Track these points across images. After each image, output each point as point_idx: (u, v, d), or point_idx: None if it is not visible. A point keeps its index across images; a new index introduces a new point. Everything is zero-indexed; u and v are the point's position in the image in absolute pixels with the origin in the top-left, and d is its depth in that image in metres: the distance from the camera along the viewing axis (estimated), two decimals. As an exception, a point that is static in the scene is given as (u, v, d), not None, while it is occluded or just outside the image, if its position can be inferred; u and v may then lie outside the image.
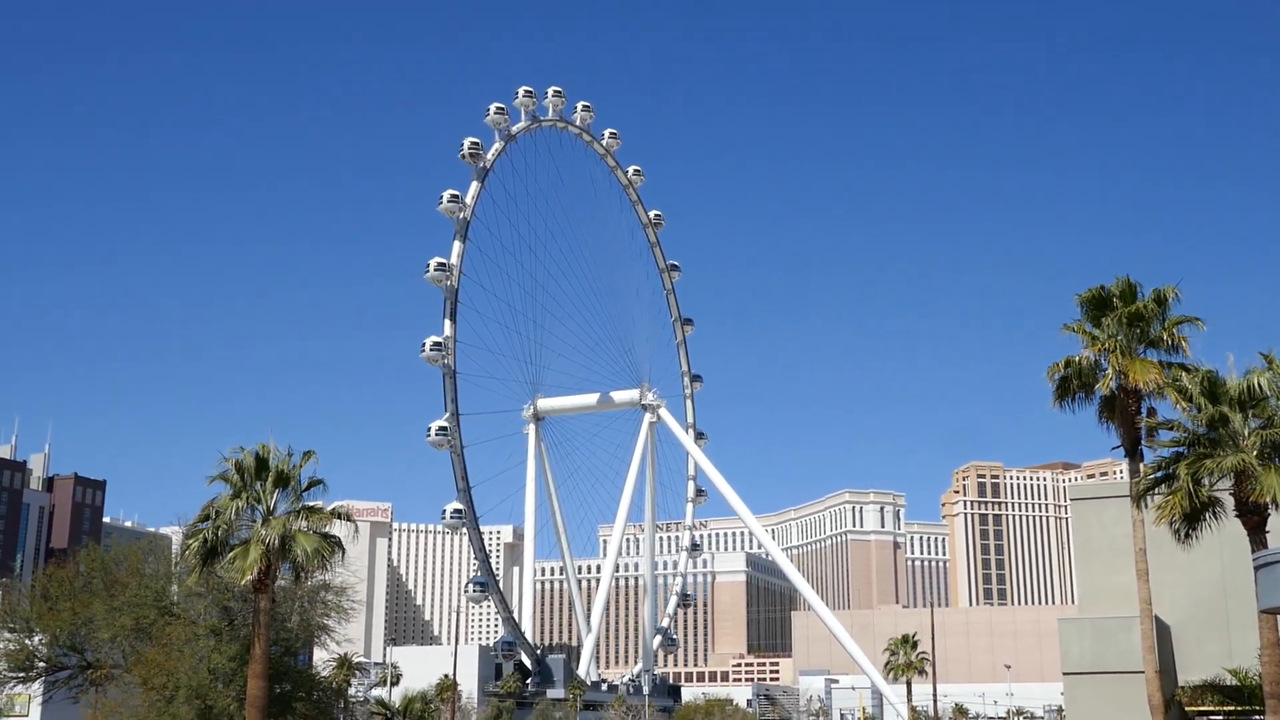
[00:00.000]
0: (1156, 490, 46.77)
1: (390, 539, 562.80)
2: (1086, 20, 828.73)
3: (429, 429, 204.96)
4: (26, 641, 69.57)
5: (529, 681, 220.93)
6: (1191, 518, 45.29)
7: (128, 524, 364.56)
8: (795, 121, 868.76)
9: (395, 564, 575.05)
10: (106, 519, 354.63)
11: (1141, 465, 49.29)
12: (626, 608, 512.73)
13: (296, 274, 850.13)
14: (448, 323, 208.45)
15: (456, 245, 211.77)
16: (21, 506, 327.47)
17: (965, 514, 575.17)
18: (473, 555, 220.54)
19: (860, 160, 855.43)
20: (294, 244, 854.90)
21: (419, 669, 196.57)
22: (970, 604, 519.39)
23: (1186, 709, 54.65)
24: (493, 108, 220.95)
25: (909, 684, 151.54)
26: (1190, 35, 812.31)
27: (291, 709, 61.44)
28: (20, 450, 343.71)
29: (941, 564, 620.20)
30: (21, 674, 71.06)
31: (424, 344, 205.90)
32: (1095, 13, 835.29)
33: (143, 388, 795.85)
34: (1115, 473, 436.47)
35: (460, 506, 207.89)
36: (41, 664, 70.00)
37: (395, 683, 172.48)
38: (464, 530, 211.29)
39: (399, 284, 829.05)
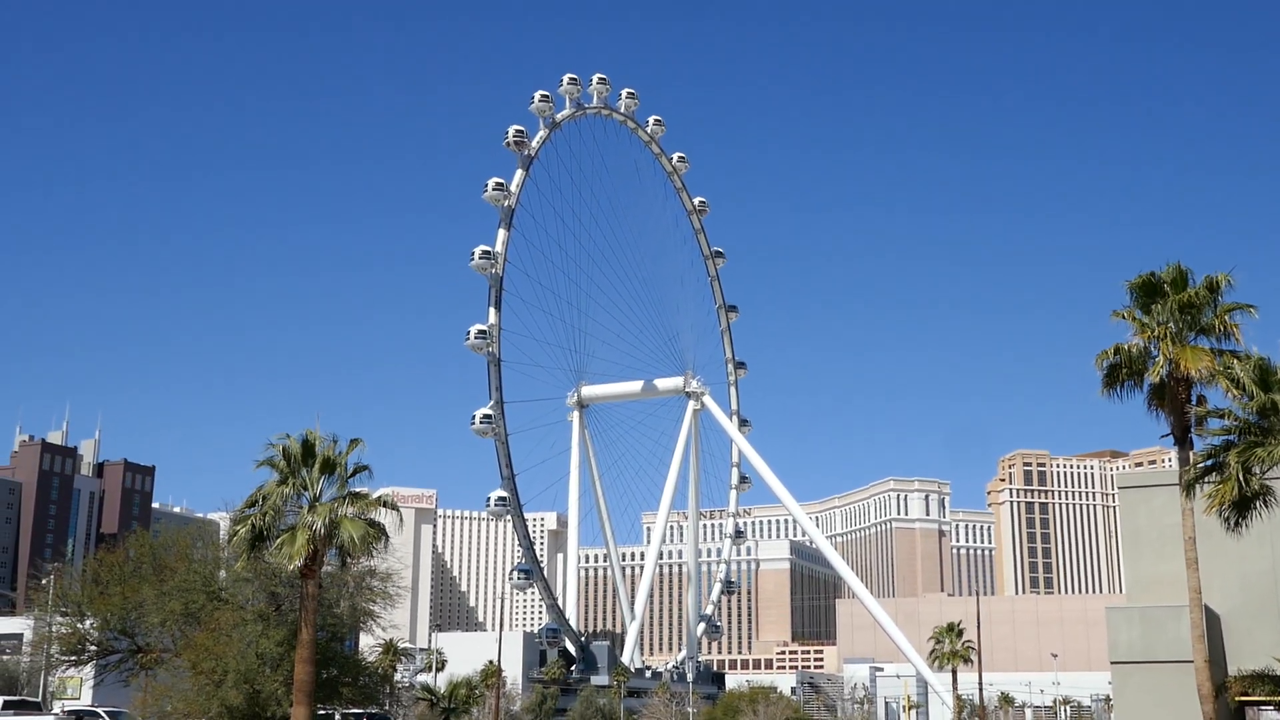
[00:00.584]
0: (1206, 478, 46.26)
1: (435, 525, 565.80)
2: (1129, 6, 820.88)
3: (474, 417, 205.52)
4: (78, 625, 70.40)
5: (573, 668, 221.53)
6: (1242, 506, 44.78)
7: (176, 509, 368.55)
8: (840, 109, 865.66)
9: (440, 550, 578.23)
10: (155, 504, 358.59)
11: (1191, 453, 48.75)
12: (670, 595, 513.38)
13: (343, 261, 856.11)
14: (492, 311, 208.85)
15: (501, 233, 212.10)
16: (73, 492, 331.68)
17: (1011, 502, 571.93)
18: (517, 542, 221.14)
19: (906, 148, 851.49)
20: (341, 231, 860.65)
21: (464, 655, 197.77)
22: (1016, 593, 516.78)
23: (1236, 699, 54.11)
24: (537, 95, 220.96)
25: (954, 673, 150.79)
26: (1236, 23, 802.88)
27: (338, 693, 61.85)
28: (71, 437, 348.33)
29: (987, 552, 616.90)
30: (73, 657, 71.96)
31: (469, 332, 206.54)
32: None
33: (191, 374, 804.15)
34: (1164, 461, 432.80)
35: (504, 494, 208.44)
36: (93, 647, 70.83)
37: (440, 668, 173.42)
38: (508, 517, 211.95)
39: (445, 271, 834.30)
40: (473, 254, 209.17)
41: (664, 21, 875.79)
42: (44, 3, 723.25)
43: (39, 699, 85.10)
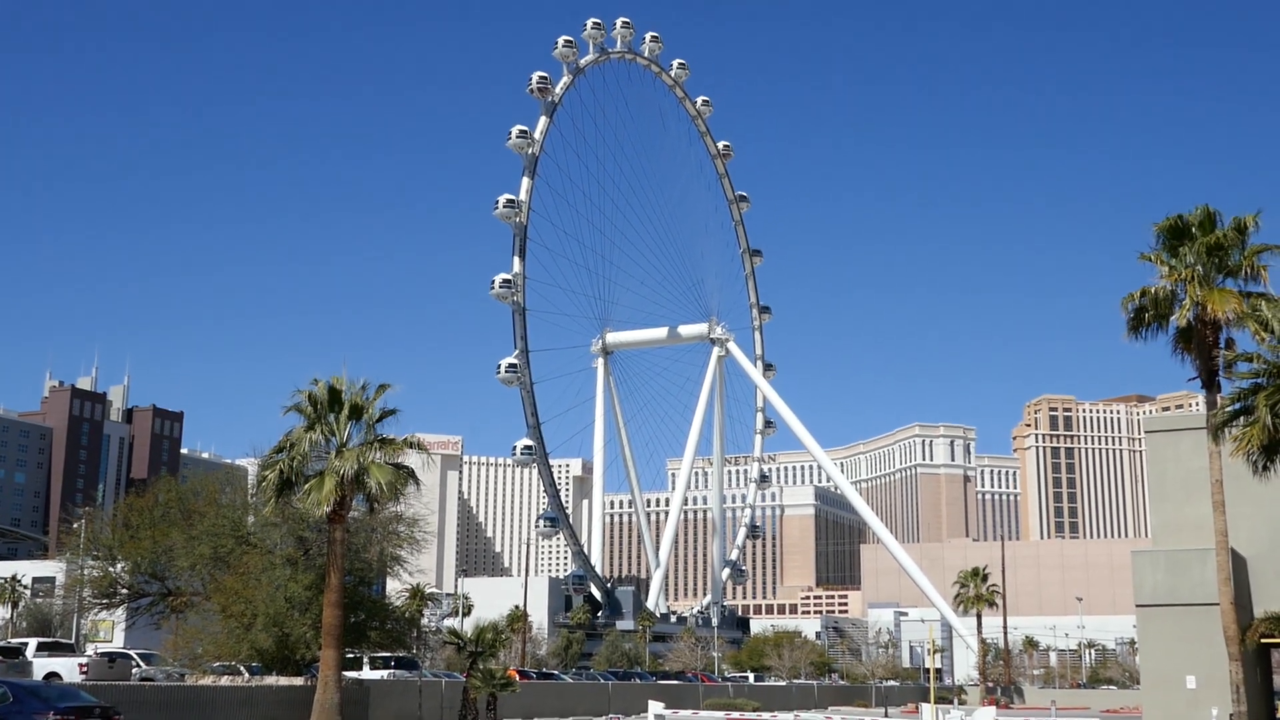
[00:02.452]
0: (1234, 422, 46.03)
1: (461, 471, 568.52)
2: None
3: (499, 366, 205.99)
4: (109, 569, 71.08)
5: (599, 613, 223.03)
6: (1269, 450, 44.58)
7: (204, 455, 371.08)
8: (865, 47, 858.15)
9: (466, 496, 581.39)
10: (184, 450, 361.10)
11: (1219, 397, 48.52)
12: (695, 541, 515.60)
13: (370, 208, 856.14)
14: (517, 260, 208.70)
15: (525, 181, 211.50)
16: (102, 438, 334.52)
17: (1037, 447, 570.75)
18: (543, 489, 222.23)
19: (931, 86, 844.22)
20: (367, 177, 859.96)
21: (490, 600, 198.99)
22: (1041, 538, 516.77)
23: (1259, 640, 54.12)
24: (561, 41, 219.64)
25: (979, 617, 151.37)
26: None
27: (366, 637, 62.39)
28: (101, 383, 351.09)
29: (1012, 498, 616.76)
30: (105, 600, 72.70)
31: (493, 281, 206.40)
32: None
33: (219, 321, 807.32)
34: (1190, 405, 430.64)
35: (530, 443, 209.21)
36: (124, 591, 71.52)
37: (467, 613, 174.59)
38: (534, 465, 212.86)
39: (472, 216, 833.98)
40: (497, 203, 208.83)
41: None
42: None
43: (72, 641, 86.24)
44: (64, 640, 79.69)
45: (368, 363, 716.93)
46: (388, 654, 74.77)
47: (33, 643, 64.42)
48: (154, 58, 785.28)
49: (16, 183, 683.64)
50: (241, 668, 62.24)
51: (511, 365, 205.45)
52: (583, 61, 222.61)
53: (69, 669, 58.18)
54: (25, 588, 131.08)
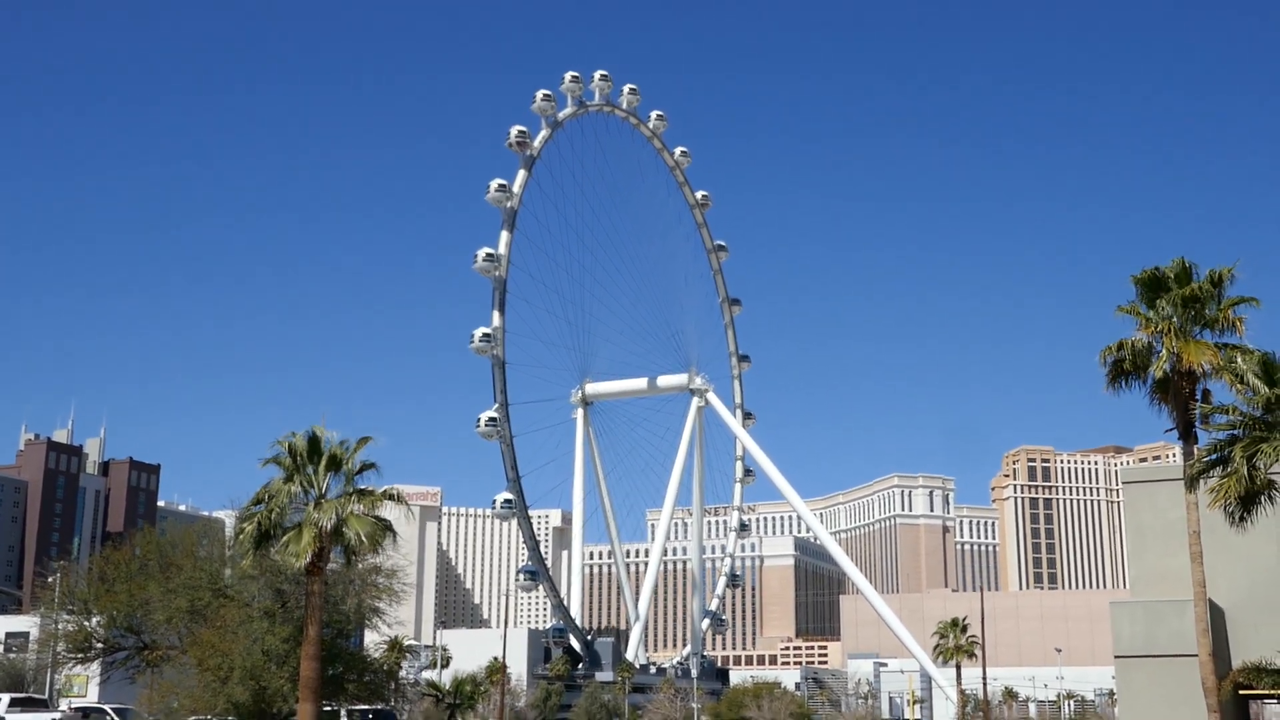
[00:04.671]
0: (1211, 473, 46.25)
1: (440, 523, 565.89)
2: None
3: (479, 420, 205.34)
4: (84, 623, 70.55)
5: (578, 665, 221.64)
6: (1247, 501, 44.79)
7: (182, 508, 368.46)
8: (842, 99, 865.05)
9: (445, 548, 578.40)
10: (161, 503, 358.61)
11: (1195, 448, 48.78)
12: (675, 591, 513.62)
13: (349, 259, 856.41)
14: (496, 314, 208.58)
15: (504, 235, 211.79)
16: (78, 490, 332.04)
17: (1015, 498, 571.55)
18: (522, 540, 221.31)
19: (908, 139, 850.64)
20: (347, 230, 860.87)
21: (469, 652, 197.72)
22: (1020, 589, 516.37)
23: (1240, 692, 54.17)
24: (539, 94, 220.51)
25: (958, 668, 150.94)
26: (1243, 11, 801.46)
27: (344, 690, 62.01)
28: (77, 435, 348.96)
29: (991, 548, 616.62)
30: (80, 654, 72.11)
31: (473, 335, 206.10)
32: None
33: (196, 372, 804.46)
34: (1168, 456, 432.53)
35: (510, 496, 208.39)
36: (99, 645, 70.98)
37: (445, 665, 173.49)
38: (515, 519, 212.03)
39: (450, 268, 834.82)
40: (476, 257, 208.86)
41: (665, 14, 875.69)
42: None
43: (45, 696, 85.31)
44: (37, 695, 78.99)
45: (347, 415, 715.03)
46: (365, 707, 74.27)
47: (5, 698, 63.95)
48: (130, 109, 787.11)
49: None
50: (217, 722, 61.71)
51: (491, 419, 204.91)
52: (561, 115, 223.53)
53: (42, 725, 57.63)
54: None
